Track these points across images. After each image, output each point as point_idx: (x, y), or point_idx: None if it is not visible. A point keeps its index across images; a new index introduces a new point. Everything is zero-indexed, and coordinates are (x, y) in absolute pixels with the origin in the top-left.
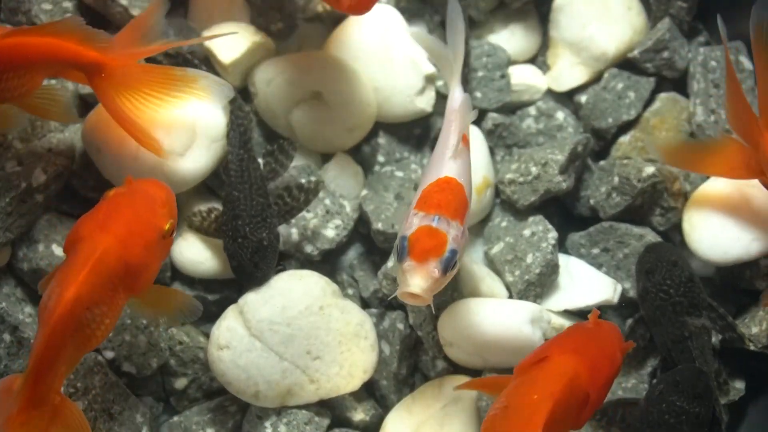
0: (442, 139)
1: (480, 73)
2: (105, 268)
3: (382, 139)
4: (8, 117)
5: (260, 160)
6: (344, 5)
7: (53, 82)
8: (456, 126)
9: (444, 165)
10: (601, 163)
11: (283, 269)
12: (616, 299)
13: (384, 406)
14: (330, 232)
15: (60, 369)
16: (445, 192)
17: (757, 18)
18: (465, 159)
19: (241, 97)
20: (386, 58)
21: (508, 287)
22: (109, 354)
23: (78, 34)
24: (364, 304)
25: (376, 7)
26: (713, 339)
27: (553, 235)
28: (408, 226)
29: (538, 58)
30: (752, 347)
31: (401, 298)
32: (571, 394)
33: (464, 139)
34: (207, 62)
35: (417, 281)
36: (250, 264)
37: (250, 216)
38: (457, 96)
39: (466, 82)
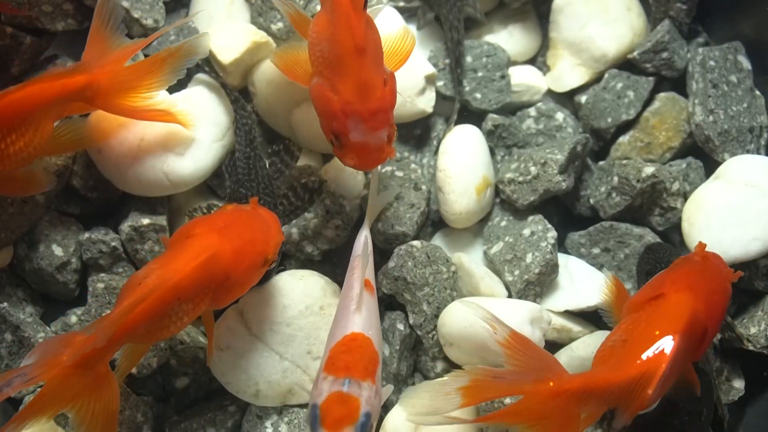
0: (345, 288)
1: (480, 73)
2: (210, 269)
3: None
4: (34, 181)
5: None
6: (348, 164)
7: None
8: (358, 273)
9: (349, 320)
10: (601, 163)
11: (284, 269)
12: None
13: (383, 407)
14: (330, 232)
15: (122, 344)
16: (352, 352)
17: None
18: (370, 306)
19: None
20: None
21: (507, 287)
22: None
23: (54, 71)
24: None
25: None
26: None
27: (552, 234)
28: (318, 393)
29: (538, 59)
30: (751, 347)
31: None
32: (692, 330)
33: (367, 285)
34: (207, 62)
35: None
36: None
37: None
38: (361, 240)
39: (459, 84)
